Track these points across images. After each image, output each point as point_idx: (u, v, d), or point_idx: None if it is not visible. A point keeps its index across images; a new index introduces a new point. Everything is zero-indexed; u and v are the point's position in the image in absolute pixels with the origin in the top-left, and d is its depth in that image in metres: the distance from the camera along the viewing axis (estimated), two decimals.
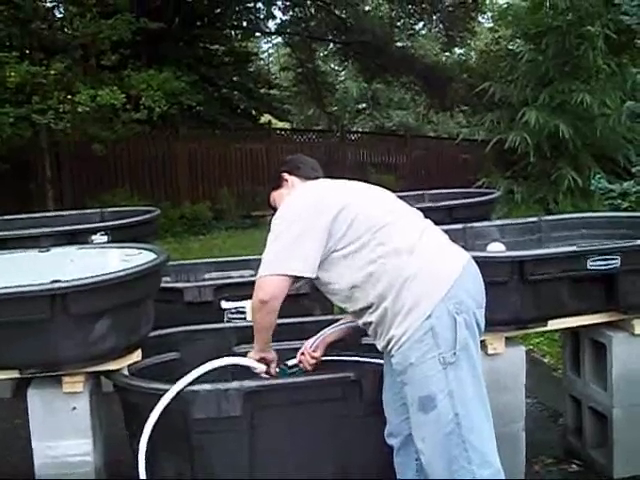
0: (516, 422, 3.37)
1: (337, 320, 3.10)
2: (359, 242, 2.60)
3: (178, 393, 2.72)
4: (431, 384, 2.48)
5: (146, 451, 2.71)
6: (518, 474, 3.33)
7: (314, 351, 3.00)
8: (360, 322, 2.71)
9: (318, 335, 3.03)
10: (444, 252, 2.67)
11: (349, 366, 3.07)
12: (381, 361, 2.85)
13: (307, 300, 3.81)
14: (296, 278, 2.67)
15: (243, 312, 3.83)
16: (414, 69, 19.90)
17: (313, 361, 2.99)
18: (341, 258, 2.63)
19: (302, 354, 3.01)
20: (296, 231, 2.63)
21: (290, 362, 3.04)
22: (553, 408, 4.40)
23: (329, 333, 3.03)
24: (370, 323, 2.63)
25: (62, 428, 2.98)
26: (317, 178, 2.99)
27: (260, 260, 4.73)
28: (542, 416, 4.36)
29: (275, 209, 2.96)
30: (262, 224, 13.82)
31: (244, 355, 3.00)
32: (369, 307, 2.61)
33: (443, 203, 5.11)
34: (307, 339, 3.13)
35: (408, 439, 2.68)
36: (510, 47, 11.95)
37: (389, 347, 2.58)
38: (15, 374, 2.95)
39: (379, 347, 2.66)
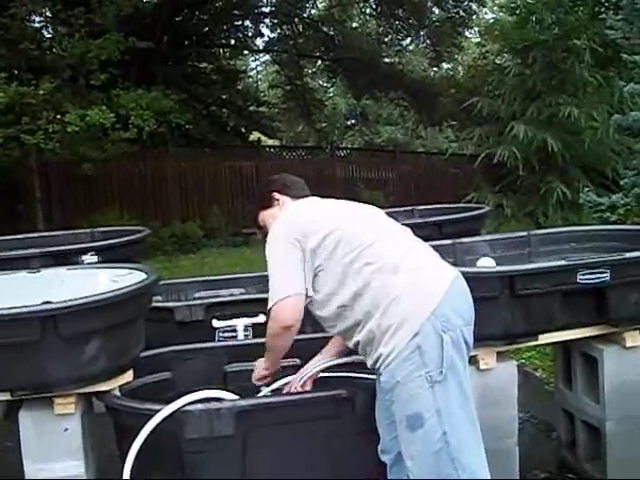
0: (509, 437, 3.36)
1: (328, 337, 3.06)
2: (344, 262, 2.61)
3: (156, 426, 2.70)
4: (418, 402, 2.48)
5: (138, 471, 2.70)
6: None
7: (302, 386, 2.97)
8: (351, 343, 2.71)
9: (303, 371, 2.99)
10: (430, 270, 2.66)
11: (342, 383, 3.07)
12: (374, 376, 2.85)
13: None
14: (306, 296, 2.67)
15: (234, 331, 3.82)
16: (402, 85, 19.98)
17: None
18: (328, 278, 2.64)
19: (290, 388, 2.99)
20: (291, 253, 2.65)
21: (273, 386, 3.03)
22: (546, 422, 4.40)
23: (315, 371, 2.99)
24: (358, 342, 2.64)
25: (54, 449, 2.96)
26: (306, 197, 2.99)
27: (251, 278, 4.75)
28: (535, 430, 4.36)
29: (261, 227, 3.00)
30: (253, 242, 13.83)
31: (238, 373, 3.00)
32: (357, 325, 2.61)
33: (432, 219, 5.11)
34: (298, 357, 3.13)
35: (400, 456, 2.66)
36: (497, 62, 12.09)
37: (377, 365, 2.58)
38: (6, 396, 2.93)
39: (368, 365, 2.67)
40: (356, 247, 2.62)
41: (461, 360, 2.54)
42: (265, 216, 2.99)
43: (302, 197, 2.97)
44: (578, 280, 3.27)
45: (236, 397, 2.86)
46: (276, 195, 2.98)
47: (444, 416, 2.47)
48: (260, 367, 2.97)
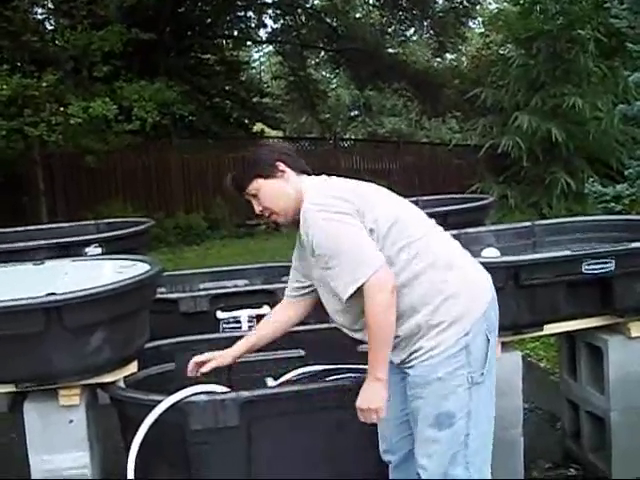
0: (514, 427, 3.36)
1: (333, 328, 3.01)
2: (393, 249, 2.45)
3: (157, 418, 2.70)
4: (453, 401, 2.42)
5: (143, 463, 2.70)
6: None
7: None
8: None
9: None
10: (478, 269, 2.60)
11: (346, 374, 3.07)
12: None
13: None
14: None
15: (239, 322, 3.82)
16: (406, 75, 19.94)
17: None
18: None
19: None
20: (358, 225, 2.43)
21: (282, 379, 3.03)
22: (550, 412, 4.40)
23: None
24: (397, 336, 2.46)
25: (59, 441, 2.97)
26: (307, 172, 2.70)
27: (255, 269, 4.75)
28: (539, 421, 4.36)
29: (248, 194, 2.64)
30: (256, 233, 13.84)
31: (242, 364, 2.99)
32: (398, 318, 2.43)
33: (437, 209, 5.09)
34: (302, 348, 3.13)
35: (409, 455, 2.60)
36: (501, 52, 12.04)
37: (411, 358, 2.47)
38: (11, 388, 2.94)
39: (397, 359, 2.51)
40: (407, 236, 2.47)
41: (494, 362, 2.52)
42: (262, 185, 2.62)
43: (303, 172, 2.68)
44: (583, 270, 3.26)
45: (227, 389, 2.86)
46: (281, 166, 2.64)
47: (473, 419, 2.44)
48: (376, 391, 2.46)
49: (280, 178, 2.63)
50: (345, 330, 2.65)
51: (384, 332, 2.41)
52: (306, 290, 2.79)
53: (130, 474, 2.67)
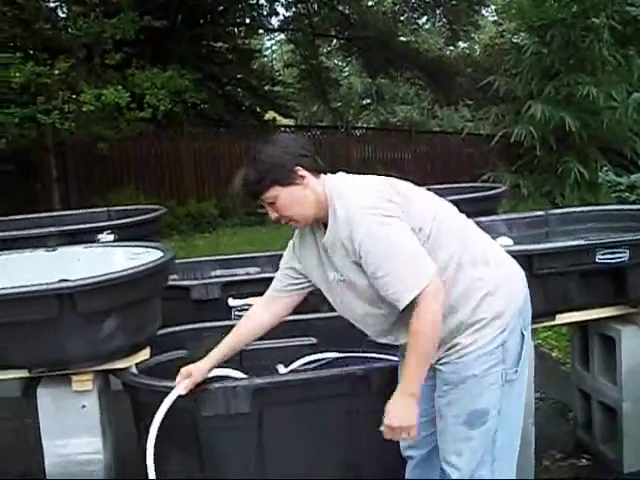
0: (525, 417, 3.34)
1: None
2: (431, 244, 2.35)
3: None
4: (487, 399, 2.39)
5: (154, 449, 2.71)
6: (528, 469, 3.31)
7: None
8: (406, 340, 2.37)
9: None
10: (513, 263, 2.55)
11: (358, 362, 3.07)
12: (391, 357, 2.82)
13: (313, 297, 3.79)
14: None
15: None
16: (418, 64, 19.86)
17: None
18: None
19: None
20: (408, 228, 2.32)
21: (292, 366, 3.03)
22: (562, 402, 4.39)
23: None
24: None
25: (72, 426, 3.00)
26: (324, 170, 2.49)
27: (267, 257, 4.75)
28: (551, 411, 4.35)
29: (257, 199, 2.42)
30: (268, 221, 13.81)
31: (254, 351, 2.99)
32: None
33: (449, 198, 5.07)
34: (313, 336, 3.12)
35: (433, 451, 2.57)
36: (514, 40, 11.92)
37: (446, 354, 2.39)
38: (24, 373, 2.96)
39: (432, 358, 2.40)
40: (445, 234, 2.39)
41: (527, 358, 2.49)
42: (280, 193, 2.37)
43: (321, 171, 2.46)
44: (597, 260, 3.25)
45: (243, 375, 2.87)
46: (300, 170, 2.38)
47: (503, 416, 2.41)
48: (409, 407, 2.32)
49: (300, 185, 2.38)
50: (370, 332, 2.53)
51: (429, 345, 2.29)
52: (303, 285, 2.67)
53: (151, 474, 2.66)
